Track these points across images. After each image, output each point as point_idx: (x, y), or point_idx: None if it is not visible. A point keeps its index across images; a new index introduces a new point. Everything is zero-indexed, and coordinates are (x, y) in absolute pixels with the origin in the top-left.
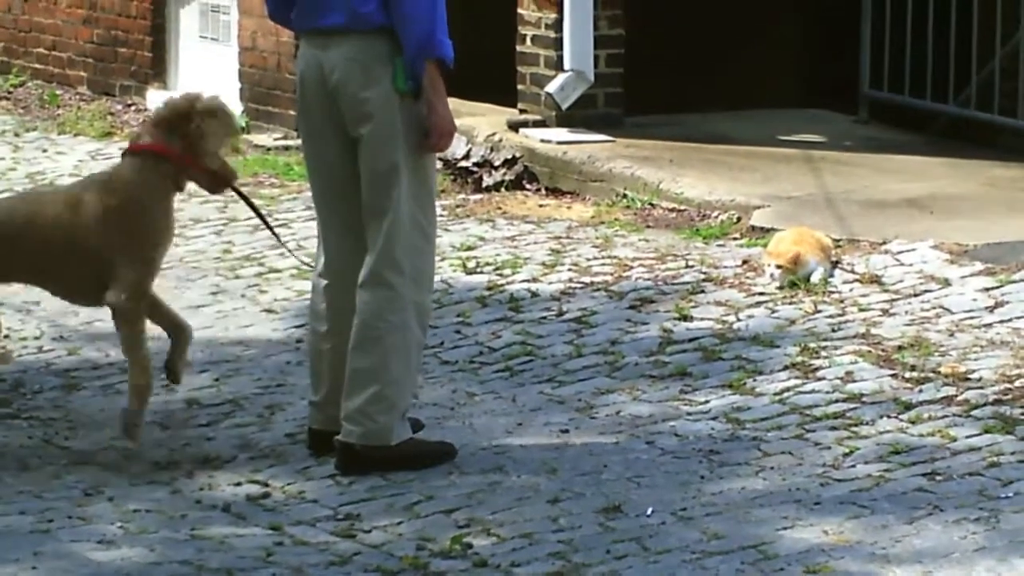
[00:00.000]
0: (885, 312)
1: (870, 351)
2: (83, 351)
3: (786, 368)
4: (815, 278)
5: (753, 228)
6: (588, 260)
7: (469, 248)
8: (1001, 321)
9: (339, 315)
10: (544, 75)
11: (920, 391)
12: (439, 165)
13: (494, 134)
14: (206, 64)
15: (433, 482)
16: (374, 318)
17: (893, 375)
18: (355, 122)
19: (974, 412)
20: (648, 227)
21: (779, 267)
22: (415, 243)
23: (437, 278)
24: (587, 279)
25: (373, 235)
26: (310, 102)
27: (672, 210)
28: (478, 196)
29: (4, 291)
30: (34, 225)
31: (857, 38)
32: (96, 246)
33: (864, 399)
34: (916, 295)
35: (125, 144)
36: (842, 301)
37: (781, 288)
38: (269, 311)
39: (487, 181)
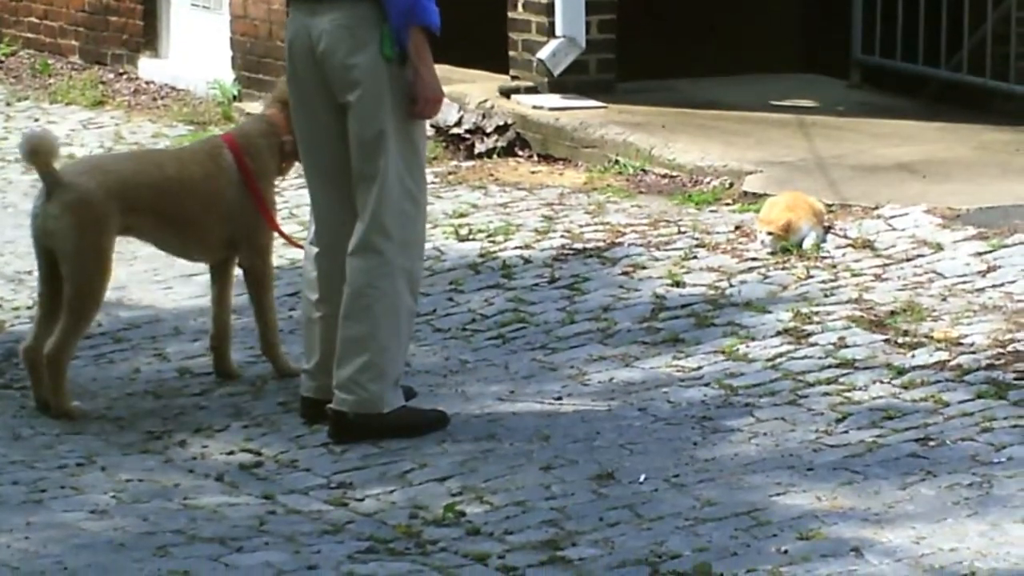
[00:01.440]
0: (878, 277)
1: (863, 316)
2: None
3: (779, 334)
4: (807, 244)
5: (745, 193)
6: (580, 226)
7: (461, 215)
8: (993, 286)
9: (330, 283)
10: (536, 41)
11: (913, 356)
12: (431, 132)
13: (486, 101)
14: (198, 32)
15: (426, 450)
16: (364, 285)
17: (886, 340)
18: (343, 89)
19: (967, 377)
20: (640, 193)
21: (771, 234)
22: (404, 209)
23: (429, 245)
24: (579, 245)
25: (362, 202)
26: (299, 69)
27: (664, 176)
28: (470, 163)
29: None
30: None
31: (849, 2)
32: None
33: (857, 364)
34: (908, 260)
35: (117, 113)
36: (834, 266)
37: (773, 254)
38: None
39: (479, 148)
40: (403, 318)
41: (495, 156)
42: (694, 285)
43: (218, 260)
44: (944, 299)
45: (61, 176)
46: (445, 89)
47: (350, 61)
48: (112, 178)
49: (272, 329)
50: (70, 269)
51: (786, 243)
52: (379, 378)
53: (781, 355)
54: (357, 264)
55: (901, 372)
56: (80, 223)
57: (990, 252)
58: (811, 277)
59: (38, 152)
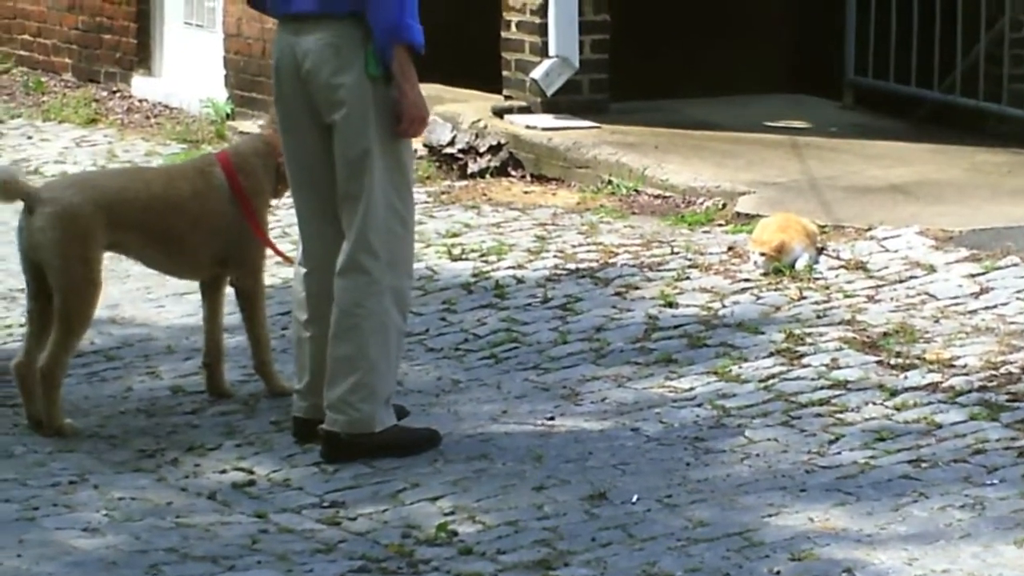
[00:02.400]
0: (870, 298)
1: (855, 337)
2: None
3: (771, 355)
4: (800, 265)
5: (738, 214)
6: (573, 247)
7: (454, 235)
8: (986, 307)
9: (319, 303)
10: (529, 61)
11: (905, 377)
12: (424, 152)
13: (479, 120)
14: (191, 51)
15: (418, 469)
16: (352, 305)
17: (878, 361)
18: (328, 108)
19: (959, 398)
20: (633, 213)
21: (764, 255)
22: (391, 228)
23: (422, 265)
24: (572, 265)
25: (348, 221)
26: (285, 88)
27: (657, 196)
28: (463, 183)
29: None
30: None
31: (842, 24)
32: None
33: (849, 385)
34: (901, 281)
35: (110, 131)
36: (827, 287)
37: (766, 274)
38: None
39: (472, 168)
40: (392, 337)
41: (488, 176)
42: (687, 306)
43: (207, 278)
44: (937, 321)
45: (41, 191)
46: (438, 109)
47: (335, 80)
48: (98, 192)
49: (264, 347)
50: (58, 282)
51: (779, 264)
52: (370, 398)
53: (774, 376)
54: (344, 284)
55: (894, 393)
56: (66, 235)
57: (983, 274)
58: (804, 298)
59: (3, 185)
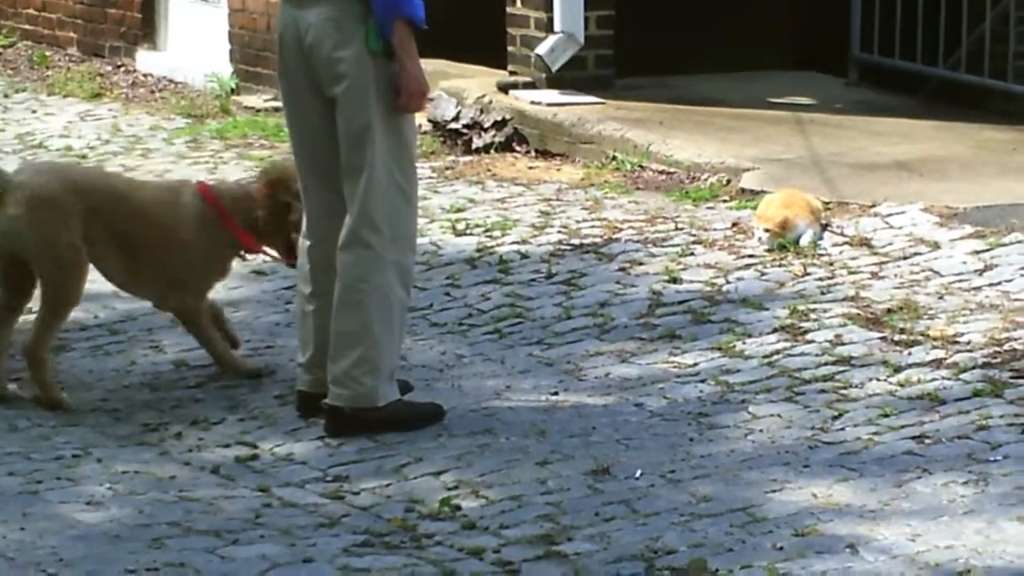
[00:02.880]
0: (874, 275)
1: (859, 314)
2: (72, 312)
3: (775, 331)
4: (804, 241)
5: (743, 190)
6: (578, 222)
7: (459, 210)
8: (990, 284)
9: (323, 277)
10: (534, 37)
11: (909, 354)
12: (429, 127)
13: (484, 96)
14: (196, 26)
15: (422, 444)
16: (355, 280)
17: (882, 338)
18: (330, 82)
19: (963, 375)
20: (638, 189)
21: (768, 231)
22: (394, 203)
23: (427, 240)
24: (576, 241)
25: (350, 196)
26: (288, 62)
27: (662, 172)
28: (468, 158)
29: None
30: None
31: (847, 0)
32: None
33: (853, 362)
34: (905, 258)
35: (115, 105)
36: (831, 264)
37: (770, 250)
38: (258, 272)
39: (477, 143)
40: (396, 312)
41: (492, 151)
42: (691, 282)
43: (152, 298)
44: (941, 297)
45: (12, 176)
46: (443, 84)
47: (336, 54)
48: (71, 180)
49: (222, 356)
50: (39, 267)
51: (783, 240)
52: (373, 372)
53: (777, 352)
54: (347, 258)
55: (897, 370)
56: (41, 219)
57: (987, 251)
58: (808, 274)
59: None
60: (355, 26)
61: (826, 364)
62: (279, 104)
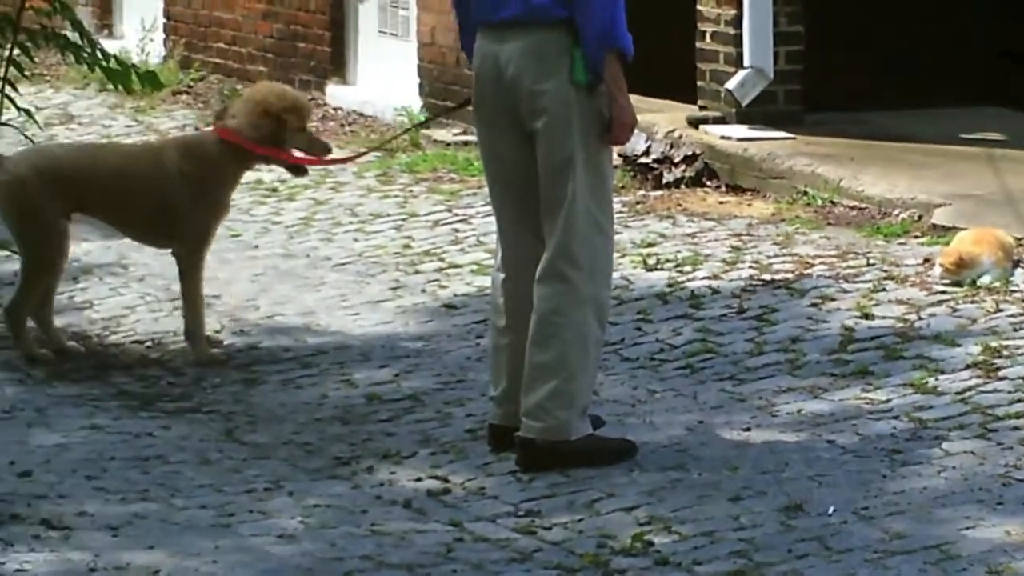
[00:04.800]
0: None
1: None
2: (263, 345)
3: (968, 367)
4: (987, 279)
5: (934, 226)
6: (769, 258)
7: (649, 245)
8: None
9: (517, 310)
10: (724, 72)
11: None
12: (619, 161)
13: (674, 130)
14: (385, 59)
15: (614, 479)
16: (552, 313)
17: None
18: (531, 115)
19: None
20: (829, 224)
21: (942, 266)
22: (591, 237)
23: (617, 275)
24: (768, 276)
25: (549, 230)
26: (486, 96)
27: (853, 208)
28: (658, 192)
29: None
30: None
31: None
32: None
33: None
34: None
35: None
36: None
37: (960, 286)
38: (449, 306)
39: (667, 178)
40: (591, 346)
41: (683, 186)
42: (883, 317)
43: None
44: None
45: (3, 161)
46: None
47: (538, 87)
48: (50, 161)
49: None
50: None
51: (958, 277)
52: (567, 405)
53: (970, 388)
54: (544, 291)
55: None
56: (12, 202)
57: None
58: (1000, 311)
59: None
60: (557, 58)
61: (1020, 401)
62: (469, 138)
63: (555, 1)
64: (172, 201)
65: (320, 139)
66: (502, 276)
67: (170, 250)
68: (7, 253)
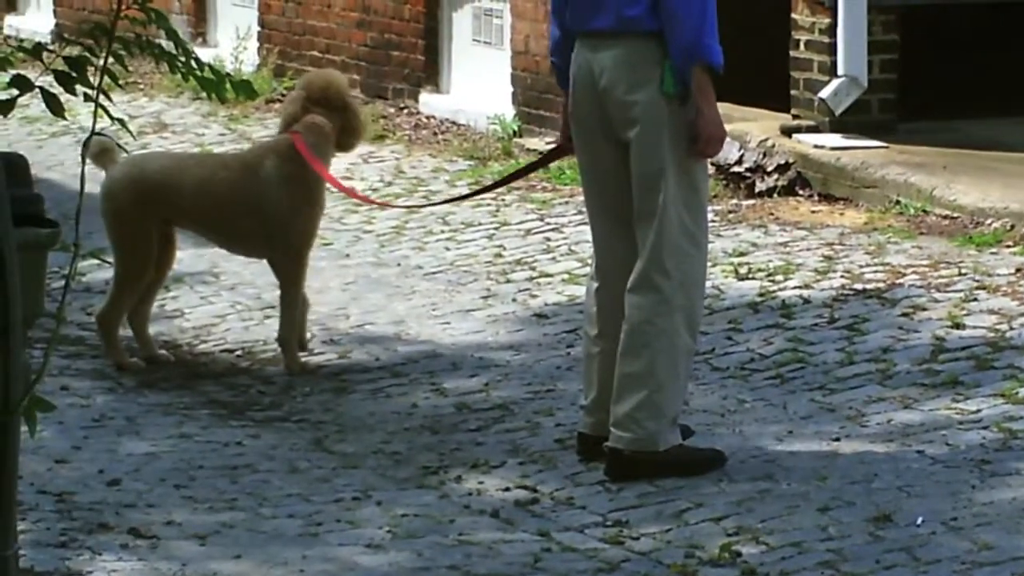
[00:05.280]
0: None
1: None
2: (353, 354)
3: None
4: None
5: None
6: (860, 267)
7: (741, 254)
8: None
9: (609, 319)
10: (817, 80)
11: None
12: (712, 170)
13: (767, 139)
14: (478, 68)
15: (702, 489)
16: (642, 322)
17: None
18: (623, 125)
19: None
20: (921, 234)
21: None
22: (684, 248)
23: (709, 284)
24: (859, 286)
25: (642, 239)
26: (581, 104)
27: (945, 217)
28: (750, 201)
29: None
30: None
31: None
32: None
33: None
34: None
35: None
36: None
37: None
38: (540, 315)
39: (759, 186)
40: (681, 357)
41: (775, 195)
42: (974, 327)
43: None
44: None
45: (115, 165)
46: (726, 127)
47: (630, 98)
48: (141, 171)
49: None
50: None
51: None
52: (656, 416)
53: None
54: (636, 301)
55: None
56: (111, 206)
57: None
58: None
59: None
60: (650, 68)
61: None
62: None
63: (646, 13)
64: (271, 208)
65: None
66: (595, 285)
67: (265, 259)
68: (98, 261)
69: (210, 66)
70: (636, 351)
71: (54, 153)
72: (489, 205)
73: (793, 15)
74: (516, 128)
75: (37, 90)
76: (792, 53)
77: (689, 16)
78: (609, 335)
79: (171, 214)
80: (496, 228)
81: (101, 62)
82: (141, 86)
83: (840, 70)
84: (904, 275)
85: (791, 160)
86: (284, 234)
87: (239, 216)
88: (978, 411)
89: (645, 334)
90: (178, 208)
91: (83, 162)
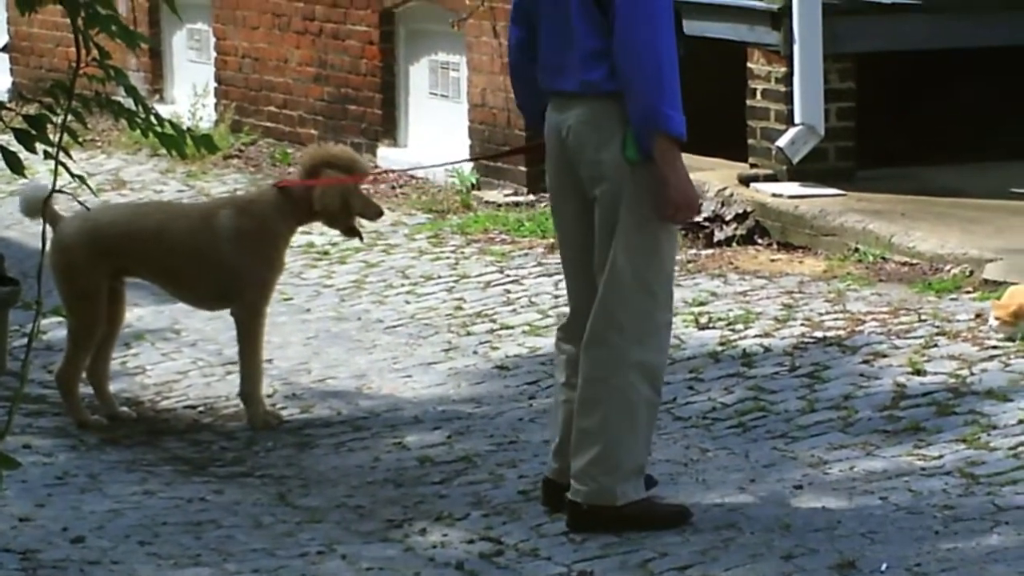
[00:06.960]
0: None
1: None
2: (315, 409)
3: (1021, 422)
4: None
5: (986, 281)
6: (820, 315)
7: (701, 303)
8: None
9: (574, 370)
10: (775, 129)
11: None
12: None
13: (725, 188)
14: (436, 121)
15: (666, 539)
16: (595, 379)
17: None
18: (591, 183)
19: None
20: (880, 281)
21: (998, 319)
22: (641, 303)
23: None
24: (819, 334)
25: (599, 294)
26: (552, 161)
27: (904, 264)
28: (709, 251)
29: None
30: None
31: None
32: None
33: None
34: None
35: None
36: None
37: (1012, 340)
38: (501, 368)
39: (718, 236)
40: (639, 411)
41: (734, 244)
42: (935, 373)
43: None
44: None
45: (61, 220)
46: None
47: (596, 157)
48: (94, 224)
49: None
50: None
51: (1015, 330)
52: (612, 471)
53: (1023, 444)
54: (590, 355)
55: None
56: (59, 263)
57: None
58: None
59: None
60: (614, 127)
61: None
62: (519, 199)
63: (604, 78)
64: (227, 260)
65: (374, 202)
66: (561, 335)
67: (228, 311)
68: (60, 319)
69: (170, 122)
70: (590, 407)
71: (13, 211)
72: (448, 258)
73: (749, 64)
74: (474, 180)
75: None
76: (748, 102)
77: (643, 81)
78: (573, 386)
79: (126, 263)
80: (456, 281)
81: (60, 120)
82: (99, 143)
83: (797, 118)
84: (864, 322)
85: (749, 209)
86: (239, 288)
87: (191, 266)
88: (940, 457)
89: (597, 391)
90: (132, 257)
91: (44, 221)
